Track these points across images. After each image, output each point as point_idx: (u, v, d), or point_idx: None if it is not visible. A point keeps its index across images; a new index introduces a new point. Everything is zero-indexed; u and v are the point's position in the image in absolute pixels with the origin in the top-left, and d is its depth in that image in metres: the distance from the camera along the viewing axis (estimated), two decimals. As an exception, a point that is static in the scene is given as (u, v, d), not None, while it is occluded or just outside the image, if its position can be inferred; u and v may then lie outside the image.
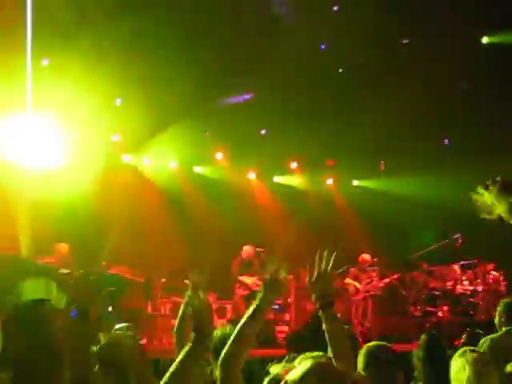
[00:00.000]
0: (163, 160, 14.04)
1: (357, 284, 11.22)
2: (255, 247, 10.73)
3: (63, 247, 9.22)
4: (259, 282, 9.61)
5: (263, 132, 14.26)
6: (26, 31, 9.53)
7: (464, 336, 5.29)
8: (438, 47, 11.39)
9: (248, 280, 10.35)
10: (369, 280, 11.21)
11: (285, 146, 13.68)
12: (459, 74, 11.96)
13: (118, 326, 5.31)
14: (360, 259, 11.51)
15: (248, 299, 10.24)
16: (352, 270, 11.57)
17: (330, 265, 2.73)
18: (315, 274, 2.70)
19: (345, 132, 13.12)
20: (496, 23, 11.35)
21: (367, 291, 11.16)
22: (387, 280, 11.13)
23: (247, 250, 10.75)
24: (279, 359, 2.87)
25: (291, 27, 11.40)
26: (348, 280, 11.39)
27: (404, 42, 12.14)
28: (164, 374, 2.44)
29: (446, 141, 14.26)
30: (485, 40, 12.08)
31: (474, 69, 11.57)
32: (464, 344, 4.78)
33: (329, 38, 12.16)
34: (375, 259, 11.54)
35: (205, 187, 14.04)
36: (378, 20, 10.79)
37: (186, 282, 3.58)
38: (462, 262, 11.34)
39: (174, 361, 2.45)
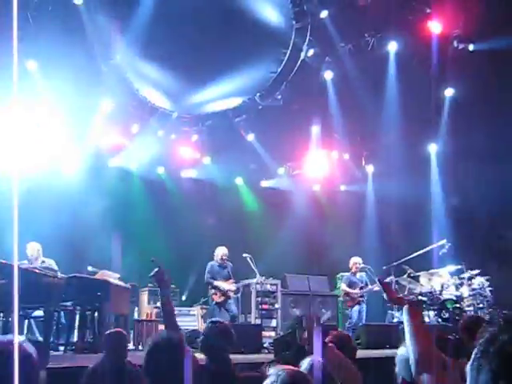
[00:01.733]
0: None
1: (351, 290, 11.20)
2: (227, 249, 10.44)
3: (35, 246, 9.12)
4: (233, 288, 9.53)
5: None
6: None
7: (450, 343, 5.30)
8: None
9: (221, 284, 10.19)
10: (361, 286, 11.22)
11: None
12: None
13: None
14: (351, 263, 11.47)
15: (222, 305, 10.17)
16: (345, 276, 11.61)
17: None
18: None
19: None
20: None
21: (361, 296, 11.17)
22: (376, 286, 11.12)
23: (218, 250, 10.41)
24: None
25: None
26: (343, 286, 11.39)
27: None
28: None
29: None
30: None
31: None
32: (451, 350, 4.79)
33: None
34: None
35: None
36: None
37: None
38: (448, 268, 11.40)
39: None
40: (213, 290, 10.19)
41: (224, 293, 10.14)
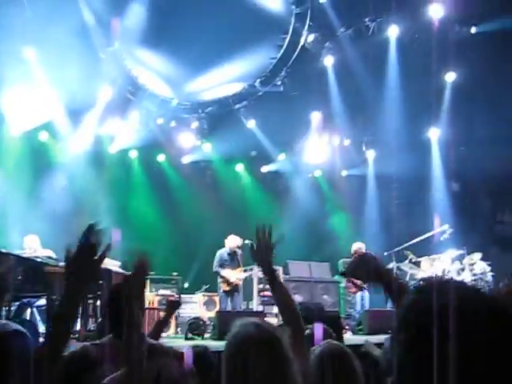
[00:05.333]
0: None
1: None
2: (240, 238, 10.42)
3: (32, 238, 9.10)
4: (241, 276, 9.52)
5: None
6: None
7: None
8: None
9: (229, 274, 10.20)
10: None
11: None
12: None
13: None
14: (354, 248, 11.33)
15: (231, 294, 10.18)
16: (348, 260, 11.48)
17: (269, 237, 2.91)
18: (257, 245, 2.92)
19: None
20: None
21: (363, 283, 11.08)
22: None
23: (231, 238, 10.39)
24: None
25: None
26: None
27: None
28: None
29: None
30: None
31: None
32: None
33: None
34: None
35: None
36: None
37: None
38: (449, 253, 11.39)
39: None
40: (221, 279, 10.21)
41: (231, 282, 10.15)
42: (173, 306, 4.49)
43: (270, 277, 2.91)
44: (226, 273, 10.13)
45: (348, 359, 2.63)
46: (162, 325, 4.07)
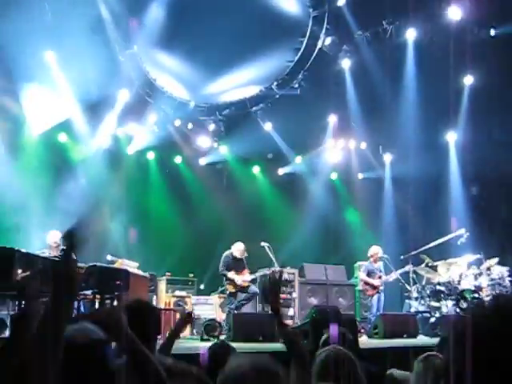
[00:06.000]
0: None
1: (370, 280, 11.09)
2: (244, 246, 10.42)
3: (57, 234, 9.24)
4: (247, 278, 9.51)
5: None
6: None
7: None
8: None
9: (235, 277, 10.23)
10: (379, 275, 11.08)
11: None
12: None
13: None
14: (371, 252, 11.30)
15: (235, 295, 10.19)
16: (364, 264, 11.46)
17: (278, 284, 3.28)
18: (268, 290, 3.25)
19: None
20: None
21: (379, 286, 11.05)
22: (394, 275, 11.06)
23: (238, 246, 10.41)
24: (283, 354, 2.92)
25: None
26: (361, 275, 11.25)
27: None
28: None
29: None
30: None
31: None
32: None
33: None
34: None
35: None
36: None
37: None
38: (467, 257, 11.33)
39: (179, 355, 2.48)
40: (227, 281, 10.22)
41: (238, 284, 10.16)
42: (187, 320, 4.51)
43: (276, 320, 3.13)
44: (232, 275, 10.14)
45: (351, 364, 2.66)
46: (174, 337, 4.06)
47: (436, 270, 11.42)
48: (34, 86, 11.09)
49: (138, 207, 13.11)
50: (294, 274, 11.50)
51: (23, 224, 10.59)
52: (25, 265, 6.65)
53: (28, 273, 6.53)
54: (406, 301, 11.75)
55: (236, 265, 10.26)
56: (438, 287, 11.08)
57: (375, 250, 11.28)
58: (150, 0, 11.44)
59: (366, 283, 11.11)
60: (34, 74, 10.87)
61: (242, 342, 8.00)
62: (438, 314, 10.71)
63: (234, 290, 10.16)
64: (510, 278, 10.87)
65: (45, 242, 9.30)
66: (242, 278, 10.18)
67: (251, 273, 10.47)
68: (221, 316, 10.94)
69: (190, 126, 14.00)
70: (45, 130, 11.82)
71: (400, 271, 11.16)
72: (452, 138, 14.26)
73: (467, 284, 10.87)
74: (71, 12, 10.32)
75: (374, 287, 10.99)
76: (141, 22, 11.48)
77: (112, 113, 12.46)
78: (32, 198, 11.14)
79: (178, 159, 14.41)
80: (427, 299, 11.18)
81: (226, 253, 10.36)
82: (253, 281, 10.44)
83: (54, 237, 9.24)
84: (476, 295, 10.61)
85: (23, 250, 6.87)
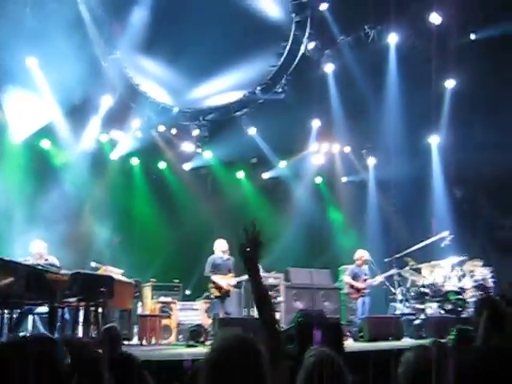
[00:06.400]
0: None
1: (355, 283, 11.11)
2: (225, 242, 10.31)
3: (40, 244, 9.14)
4: (232, 282, 9.40)
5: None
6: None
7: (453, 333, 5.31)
8: None
9: (221, 280, 10.10)
10: (364, 278, 11.11)
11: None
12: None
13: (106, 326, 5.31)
14: (357, 255, 11.31)
15: (222, 299, 10.11)
16: (349, 267, 11.49)
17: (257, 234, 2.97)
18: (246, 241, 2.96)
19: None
20: None
21: (365, 288, 11.10)
22: (379, 278, 11.11)
23: (219, 243, 10.26)
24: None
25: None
26: (346, 279, 11.27)
27: None
28: (157, 373, 2.46)
29: None
30: None
31: None
32: (453, 340, 4.81)
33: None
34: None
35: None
36: None
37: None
38: (450, 259, 11.41)
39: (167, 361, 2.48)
40: (212, 284, 10.14)
41: (222, 288, 10.09)
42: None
43: (252, 273, 2.86)
44: (217, 279, 10.06)
45: (338, 367, 2.66)
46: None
47: (420, 273, 11.50)
48: (16, 92, 11.00)
49: (123, 213, 13.04)
50: (279, 278, 11.49)
51: (5, 231, 10.48)
52: (7, 272, 6.58)
53: (11, 279, 6.47)
54: (391, 303, 11.81)
55: (222, 268, 10.19)
56: (422, 289, 11.15)
57: (361, 253, 11.31)
58: (132, 5, 11.41)
59: (351, 286, 11.15)
60: (16, 79, 10.79)
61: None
62: (422, 316, 10.77)
63: (218, 294, 10.08)
64: (492, 279, 10.99)
65: (27, 249, 9.17)
66: (227, 281, 10.13)
67: (236, 277, 10.42)
68: (206, 321, 10.90)
69: (173, 131, 13.98)
70: (27, 137, 11.73)
71: (385, 275, 11.21)
72: (434, 140, 14.39)
73: (451, 286, 10.95)
74: (53, 17, 10.27)
75: (358, 290, 11.03)
76: (123, 27, 11.45)
77: (95, 118, 12.41)
78: (15, 206, 11.04)
79: (162, 164, 14.38)
80: (412, 301, 11.25)
81: (212, 256, 10.30)
82: (238, 284, 10.40)
83: (38, 247, 9.12)
84: (460, 297, 10.71)
85: (6, 258, 6.81)
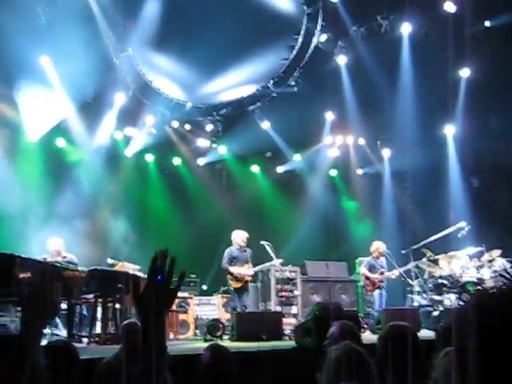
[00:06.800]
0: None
1: (371, 275, 11.06)
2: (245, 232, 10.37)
3: (57, 241, 9.22)
4: (250, 273, 9.47)
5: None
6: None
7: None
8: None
9: (238, 270, 10.11)
10: (381, 270, 11.04)
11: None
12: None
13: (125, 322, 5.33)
14: (373, 247, 11.26)
15: (241, 291, 10.15)
16: (366, 259, 11.41)
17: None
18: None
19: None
20: None
21: (381, 281, 11.05)
22: (397, 272, 11.02)
23: (238, 235, 10.32)
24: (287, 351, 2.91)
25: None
26: (363, 270, 11.20)
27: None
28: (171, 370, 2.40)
29: None
30: None
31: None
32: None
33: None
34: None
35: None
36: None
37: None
38: (468, 250, 11.30)
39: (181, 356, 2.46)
40: (230, 276, 10.17)
41: (241, 279, 10.11)
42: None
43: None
44: (235, 269, 10.10)
45: (364, 360, 2.64)
46: None
47: (437, 264, 11.40)
48: (30, 91, 11.08)
49: (138, 209, 13.11)
50: (295, 271, 11.48)
51: (23, 229, 10.58)
52: (25, 270, 6.64)
53: (29, 276, 6.53)
54: (409, 295, 11.74)
55: (239, 259, 10.22)
56: (439, 281, 11.06)
57: (377, 245, 11.26)
58: (143, 1, 11.43)
59: (367, 278, 11.09)
60: (30, 78, 10.86)
61: (245, 342, 8.00)
62: (440, 308, 10.69)
63: (237, 286, 10.12)
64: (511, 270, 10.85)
65: (44, 247, 9.26)
66: (245, 271, 10.14)
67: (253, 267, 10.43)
68: (224, 316, 10.93)
69: (187, 126, 14.00)
70: (42, 135, 11.83)
71: (403, 269, 11.12)
72: (450, 130, 14.24)
73: (469, 277, 10.85)
74: (65, 16, 10.32)
75: (374, 283, 10.98)
76: (135, 23, 11.47)
77: (109, 115, 12.47)
78: (32, 204, 11.14)
79: (176, 160, 14.41)
80: (429, 293, 11.17)
81: (229, 247, 10.34)
82: (254, 278, 10.44)
83: (55, 244, 9.20)
84: (478, 288, 10.59)
85: (23, 256, 6.88)
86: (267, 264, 10.72)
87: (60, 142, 12.54)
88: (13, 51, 9.92)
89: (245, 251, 10.29)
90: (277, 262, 10.50)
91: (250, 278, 10.26)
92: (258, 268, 10.58)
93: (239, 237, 10.31)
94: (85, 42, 10.34)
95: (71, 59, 10.53)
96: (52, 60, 11.18)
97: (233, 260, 10.18)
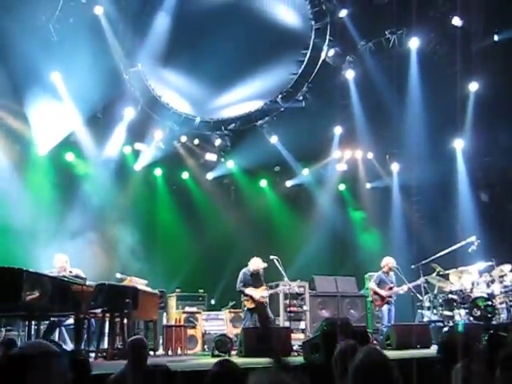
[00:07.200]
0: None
1: (379, 290, 10.96)
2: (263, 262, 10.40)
3: (62, 257, 9.23)
4: (265, 294, 9.47)
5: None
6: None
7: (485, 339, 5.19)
8: None
9: (253, 293, 10.14)
10: (390, 286, 10.94)
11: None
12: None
13: (133, 338, 5.31)
14: (383, 262, 11.16)
15: (254, 312, 10.12)
16: (375, 274, 11.31)
17: None
18: None
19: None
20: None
21: (389, 297, 10.93)
22: (406, 287, 10.92)
23: (254, 261, 10.40)
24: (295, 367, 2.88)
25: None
26: (372, 285, 11.11)
27: None
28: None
29: None
30: None
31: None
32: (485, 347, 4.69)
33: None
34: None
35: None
36: None
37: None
38: (478, 265, 11.21)
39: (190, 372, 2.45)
40: (245, 297, 10.20)
41: (256, 300, 10.12)
42: None
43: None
44: (250, 291, 10.10)
45: (388, 368, 2.57)
46: None
47: (447, 279, 11.31)
48: (41, 106, 11.18)
49: (147, 224, 13.11)
50: (304, 286, 11.42)
51: (32, 244, 10.60)
52: (33, 285, 6.65)
53: (38, 292, 6.53)
54: (419, 310, 11.63)
55: (253, 281, 10.24)
56: (450, 296, 10.96)
57: (387, 260, 11.17)
58: (152, 17, 11.53)
59: (376, 293, 10.98)
60: (41, 94, 10.97)
61: (253, 358, 7.93)
62: (451, 323, 10.58)
63: (251, 306, 10.13)
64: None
65: (52, 263, 9.25)
66: (260, 293, 10.14)
67: (268, 289, 10.44)
68: (232, 331, 10.87)
69: (196, 141, 14.03)
70: (52, 149, 11.90)
71: (412, 284, 11.00)
72: (459, 145, 14.19)
73: (480, 292, 10.74)
74: (75, 32, 10.43)
75: (383, 298, 10.87)
76: (144, 39, 11.57)
77: (118, 130, 12.54)
78: (40, 218, 11.18)
79: (185, 175, 14.44)
80: (440, 308, 11.06)
81: (244, 270, 10.39)
82: (270, 296, 10.43)
83: (60, 260, 9.20)
84: (489, 303, 10.48)
85: (31, 270, 6.88)
86: (280, 288, 10.75)
87: (69, 157, 12.60)
88: (25, 67, 10.04)
89: (258, 274, 10.32)
90: (287, 282, 10.50)
91: (264, 300, 10.22)
92: (273, 291, 10.60)
93: (256, 265, 10.33)
94: (94, 57, 10.44)
95: (81, 74, 10.62)
96: (62, 75, 11.29)
97: (247, 282, 10.22)
